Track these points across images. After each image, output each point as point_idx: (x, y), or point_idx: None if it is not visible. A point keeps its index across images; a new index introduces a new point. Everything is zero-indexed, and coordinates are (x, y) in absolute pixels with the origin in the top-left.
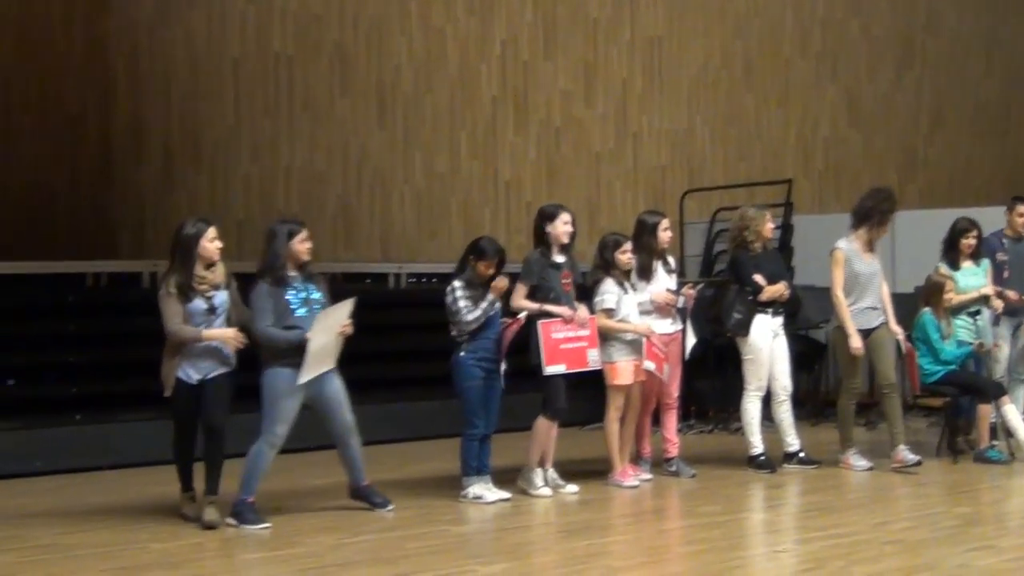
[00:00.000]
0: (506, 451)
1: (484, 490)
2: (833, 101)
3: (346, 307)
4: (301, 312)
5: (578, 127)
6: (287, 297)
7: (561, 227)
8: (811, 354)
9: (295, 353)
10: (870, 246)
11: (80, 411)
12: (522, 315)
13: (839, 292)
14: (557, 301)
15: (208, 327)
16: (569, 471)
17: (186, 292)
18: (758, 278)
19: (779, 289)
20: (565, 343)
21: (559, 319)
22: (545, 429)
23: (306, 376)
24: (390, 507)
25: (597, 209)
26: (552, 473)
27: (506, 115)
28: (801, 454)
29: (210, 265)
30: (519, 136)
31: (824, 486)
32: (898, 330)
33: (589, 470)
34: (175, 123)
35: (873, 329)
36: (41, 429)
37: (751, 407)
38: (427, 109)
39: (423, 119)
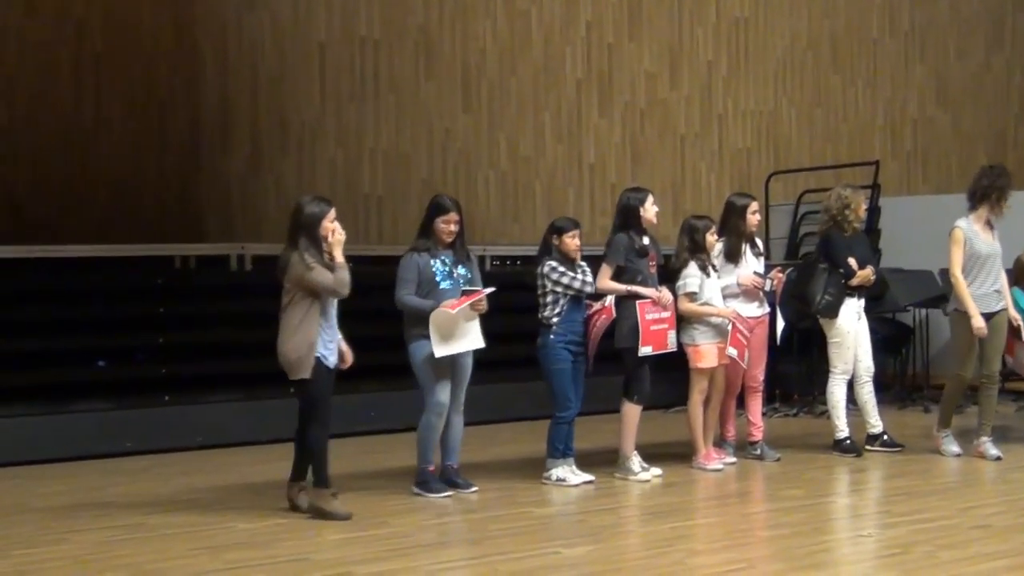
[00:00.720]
0: (587, 434)
1: (568, 472)
2: (921, 81)
3: (483, 293)
4: (446, 285)
5: (663, 109)
6: (433, 269)
7: (650, 209)
8: (898, 337)
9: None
10: (989, 226)
11: (169, 392)
12: (609, 300)
13: (958, 272)
14: (644, 284)
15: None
16: (652, 455)
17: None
18: (852, 262)
19: (868, 274)
20: (654, 324)
21: (650, 300)
22: (634, 414)
23: (440, 351)
24: (474, 489)
25: (681, 192)
26: (636, 456)
27: (590, 97)
28: (884, 436)
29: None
30: (604, 118)
31: (909, 470)
32: (1016, 315)
33: (673, 453)
34: (262, 107)
35: (994, 313)
36: (131, 410)
37: (837, 390)
38: (511, 92)
39: (507, 102)
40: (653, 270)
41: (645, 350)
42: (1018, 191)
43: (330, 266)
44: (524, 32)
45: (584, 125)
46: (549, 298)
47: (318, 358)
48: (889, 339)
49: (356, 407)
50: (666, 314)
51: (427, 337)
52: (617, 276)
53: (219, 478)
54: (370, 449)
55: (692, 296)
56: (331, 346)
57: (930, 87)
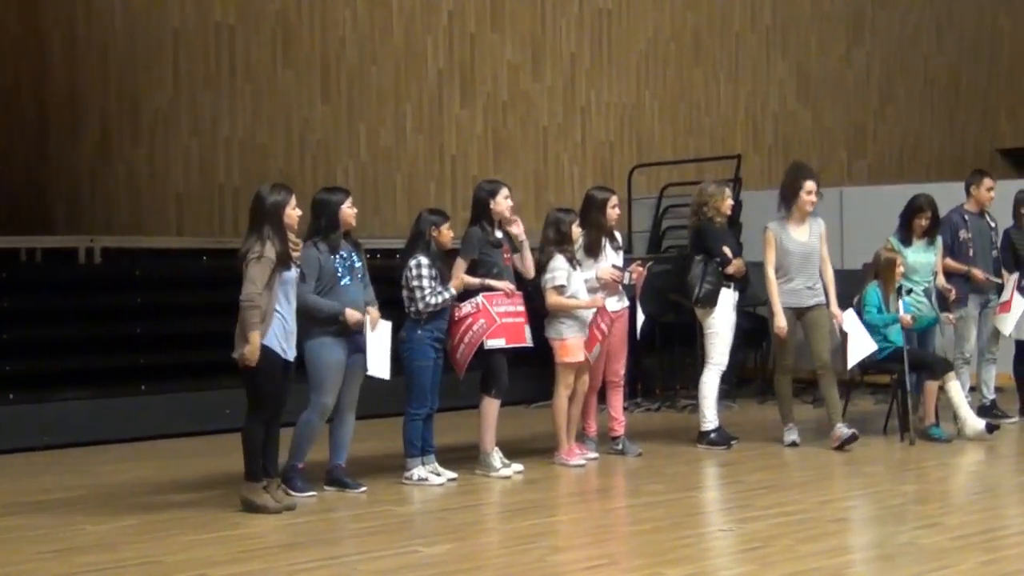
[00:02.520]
0: (448, 430)
1: (429, 472)
2: (783, 76)
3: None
4: (346, 281)
5: (525, 101)
6: (335, 264)
7: (502, 202)
8: (759, 331)
9: (336, 322)
10: (801, 223)
11: (13, 390)
12: (480, 300)
13: (770, 271)
14: (500, 276)
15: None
16: (513, 450)
17: (286, 261)
18: (727, 250)
19: (742, 264)
20: (505, 317)
21: (501, 292)
22: (493, 409)
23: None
24: (363, 489)
25: (544, 184)
26: (496, 452)
27: (452, 88)
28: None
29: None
30: (465, 109)
31: (768, 464)
32: (837, 312)
33: (534, 448)
34: (112, 95)
35: (808, 309)
36: None
37: (710, 381)
38: (372, 82)
39: (368, 92)
40: (509, 262)
41: (495, 342)
42: (875, 186)
43: (290, 256)
44: (385, 21)
45: (446, 116)
46: (418, 293)
47: (268, 348)
48: (750, 332)
49: (213, 405)
50: (521, 307)
51: (331, 335)
52: (472, 270)
53: (67, 479)
54: (227, 449)
55: (560, 289)
56: (291, 338)
57: (791, 82)
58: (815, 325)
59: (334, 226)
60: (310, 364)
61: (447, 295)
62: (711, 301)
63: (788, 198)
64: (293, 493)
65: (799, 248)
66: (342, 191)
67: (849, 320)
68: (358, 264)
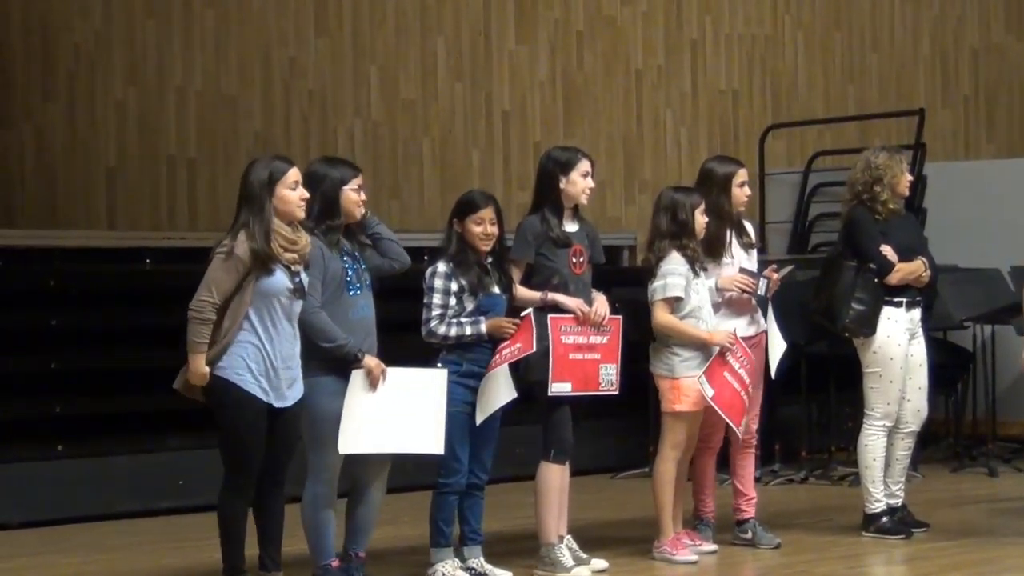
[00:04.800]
0: (503, 509)
1: (460, 570)
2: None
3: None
4: (356, 291)
5: (610, 32)
6: (344, 265)
7: (579, 181)
8: (951, 367)
9: (344, 359)
10: None
11: None
12: (525, 311)
13: None
14: (565, 288)
15: (290, 320)
16: (593, 540)
17: (266, 262)
18: (887, 251)
19: (916, 268)
20: (575, 352)
21: (571, 316)
22: (555, 479)
23: (349, 447)
24: None
25: (638, 154)
26: (569, 542)
27: (504, 15)
28: (905, 512)
29: (292, 226)
30: (524, 45)
31: (977, 564)
32: None
33: (623, 537)
34: (15, 27)
35: None
36: None
37: (873, 443)
38: (388, 6)
39: (382, 21)
40: (582, 269)
41: (559, 387)
42: None
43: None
44: None
45: (496, 54)
46: (424, 314)
47: (235, 384)
48: (938, 369)
49: (162, 472)
50: (600, 339)
51: (335, 373)
52: (527, 276)
53: None
54: (185, 536)
55: (674, 303)
56: (280, 376)
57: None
58: None
59: (330, 213)
60: (306, 414)
61: (468, 331)
62: (865, 327)
63: None
64: None
65: None
66: (348, 166)
67: (770, 312)
68: (365, 267)
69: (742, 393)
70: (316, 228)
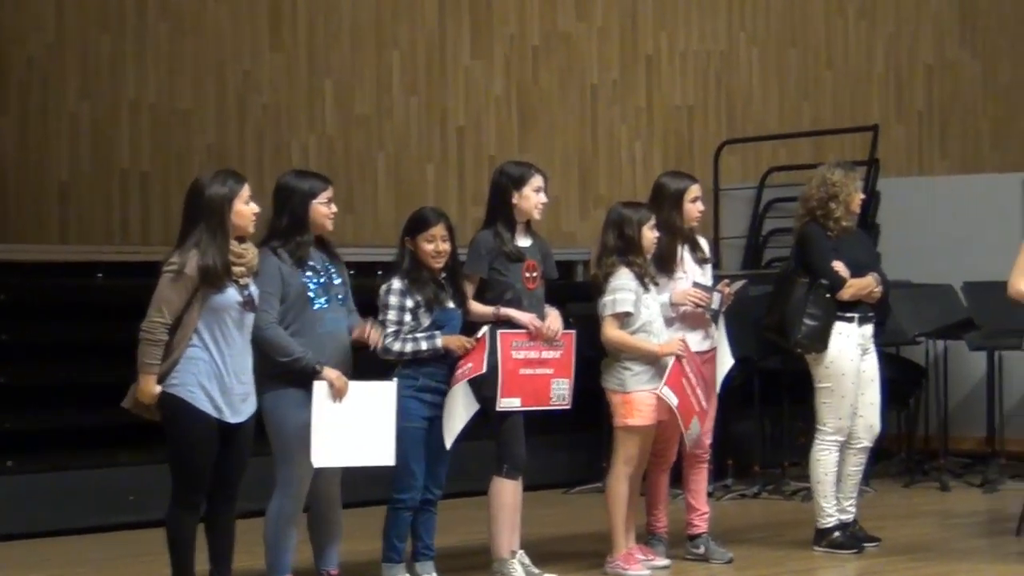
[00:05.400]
0: (456, 524)
1: None
2: (939, 9)
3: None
4: (321, 304)
5: (565, 47)
6: (304, 280)
7: (532, 196)
8: (904, 383)
9: (303, 373)
10: None
11: None
12: (482, 330)
13: (1021, 282)
14: (518, 303)
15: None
16: (546, 554)
17: (215, 277)
18: (839, 266)
19: (868, 283)
20: (526, 367)
21: (524, 331)
22: (508, 494)
23: (322, 460)
24: None
25: (593, 168)
26: (521, 557)
27: (459, 29)
28: (856, 527)
29: (240, 240)
30: (479, 60)
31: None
32: None
33: (575, 551)
34: None
35: None
36: None
37: (825, 458)
38: (343, 20)
39: (337, 35)
40: (535, 285)
41: (508, 403)
42: None
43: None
44: None
45: (450, 69)
46: (392, 327)
47: (184, 401)
48: (891, 384)
49: (112, 487)
50: (553, 353)
51: (295, 385)
52: (481, 291)
53: None
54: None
55: (624, 319)
56: (234, 391)
57: (952, 17)
58: None
59: (300, 227)
60: (269, 428)
61: (424, 346)
62: (818, 342)
63: None
64: None
65: None
66: (319, 178)
67: (721, 327)
68: (337, 281)
69: (698, 398)
70: (285, 243)
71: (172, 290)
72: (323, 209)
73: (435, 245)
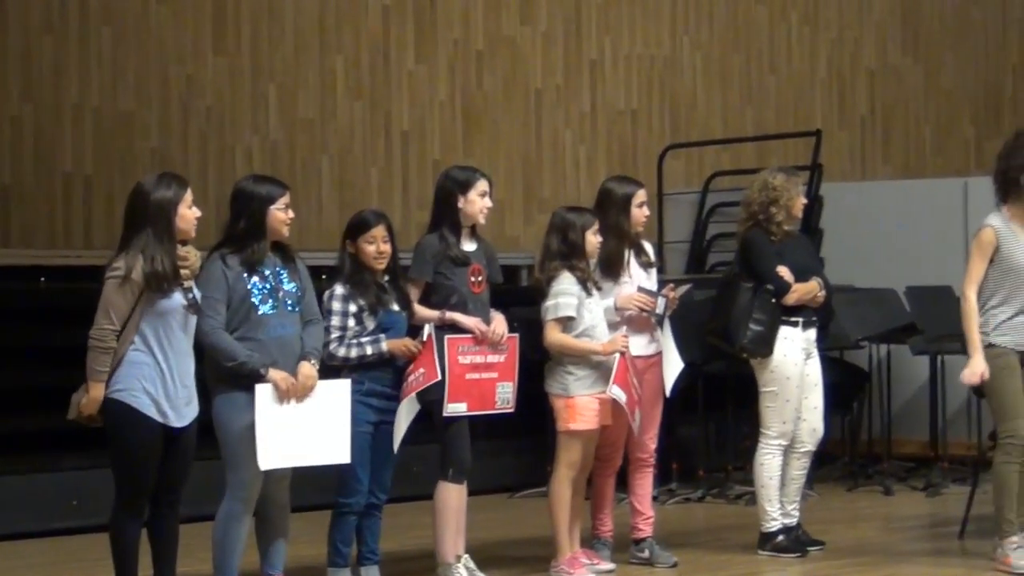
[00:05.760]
0: (403, 529)
1: None
2: (882, 16)
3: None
4: (267, 309)
5: (510, 51)
6: (250, 286)
7: (477, 200)
8: (847, 387)
9: (249, 377)
10: None
11: None
12: (426, 331)
13: (972, 292)
14: (463, 307)
15: (186, 336)
16: (490, 559)
17: (161, 283)
18: (783, 271)
19: (812, 288)
20: (472, 372)
21: (469, 335)
22: (453, 498)
23: (269, 462)
24: None
25: (537, 173)
26: (466, 561)
27: (403, 33)
28: (800, 532)
29: (182, 243)
30: (423, 64)
31: None
32: None
33: (519, 556)
34: None
35: None
36: None
37: (769, 462)
38: (286, 24)
39: (280, 38)
40: (481, 289)
41: (455, 408)
42: None
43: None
44: None
45: (394, 73)
46: (336, 332)
47: (128, 406)
48: (835, 388)
49: (54, 493)
50: (497, 357)
51: (244, 389)
52: (425, 297)
53: None
54: (79, 557)
55: (566, 323)
56: (178, 395)
57: (894, 23)
58: None
59: (256, 234)
60: (217, 431)
61: (369, 351)
62: (763, 347)
63: (1009, 183)
64: None
65: None
66: (276, 184)
67: (667, 331)
68: (290, 287)
69: (637, 390)
70: (241, 249)
71: (119, 295)
72: (280, 215)
73: (376, 246)
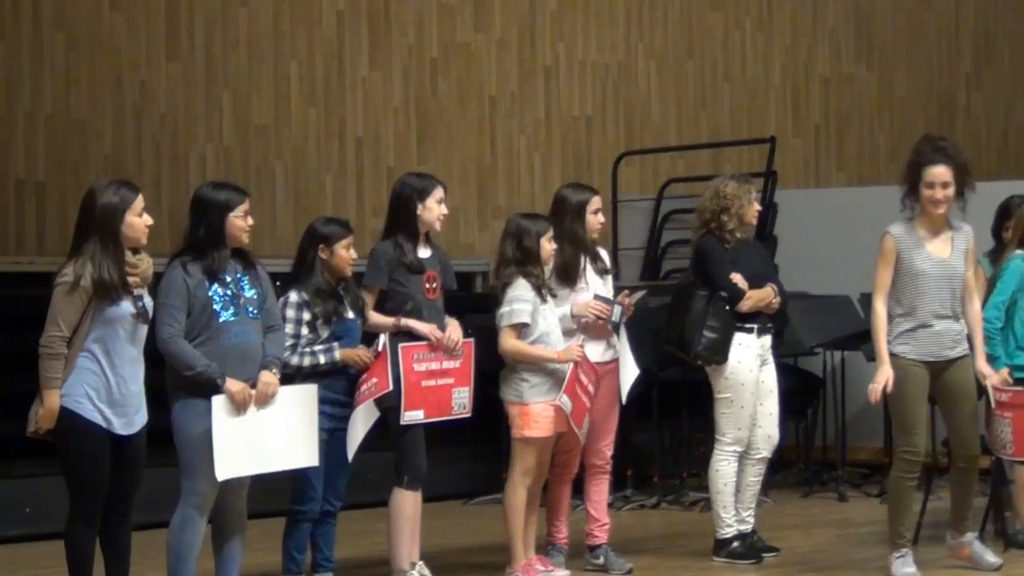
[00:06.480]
0: (354, 536)
1: None
2: (836, 23)
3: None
4: (228, 316)
5: (464, 58)
6: (211, 293)
7: (434, 208)
8: (802, 393)
9: (207, 384)
10: (937, 232)
11: None
12: (380, 340)
13: (880, 302)
14: (418, 314)
15: (134, 344)
16: (445, 566)
17: (110, 291)
18: (737, 278)
19: (766, 295)
20: (428, 378)
21: (424, 342)
22: (408, 505)
23: (227, 472)
24: None
25: (491, 179)
26: (421, 568)
27: (357, 39)
28: (755, 538)
29: (135, 251)
30: (377, 71)
31: None
32: (986, 370)
33: (475, 563)
34: None
35: (949, 362)
36: None
37: (724, 468)
38: (240, 31)
39: (234, 45)
40: (435, 295)
41: (412, 416)
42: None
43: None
44: None
45: (348, 79)
46: (290, 340)
47: (77, 415)
48: (789, 395)
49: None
50: (452, 363)
51: (201, 396)
52: (380, 304)
53: None
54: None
55: (521, 329)
56: (126, 404)
57: (848, 31)
58: (956, 390)
59: (216, 241)
60: (176, 438)
61: (322, 359)
62: (718, 354)
63: (910, 191)
64: None
65: (936, 269)
66: (236, 191)
67: (623, 338)
68: (251, 294)
69: (589, 395)
70: (202, 256)
71: (67, 302)
72: (239, 222)
73: (351, 252)
